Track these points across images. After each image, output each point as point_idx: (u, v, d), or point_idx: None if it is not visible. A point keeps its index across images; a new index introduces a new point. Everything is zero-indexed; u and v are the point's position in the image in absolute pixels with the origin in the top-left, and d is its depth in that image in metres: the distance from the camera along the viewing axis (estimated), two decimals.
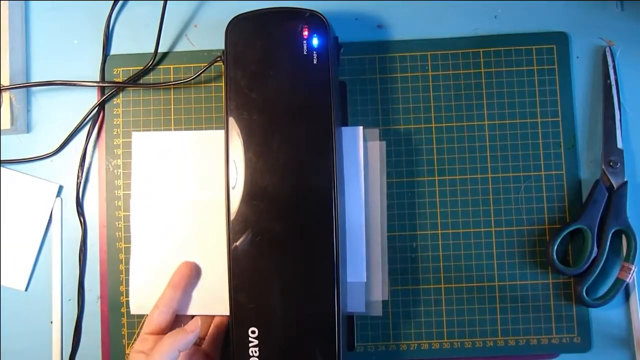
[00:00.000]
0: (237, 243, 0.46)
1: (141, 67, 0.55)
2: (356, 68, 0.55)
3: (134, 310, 0.52)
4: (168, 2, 0.55)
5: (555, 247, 0.51)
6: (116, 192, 0.55)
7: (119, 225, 0.54)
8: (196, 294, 0.51)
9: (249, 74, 0.48)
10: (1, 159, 0.55)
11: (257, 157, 0.47)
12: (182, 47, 0.56)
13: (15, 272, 0.54)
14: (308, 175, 0.47)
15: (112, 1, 0.56)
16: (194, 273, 0.51)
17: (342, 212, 0.48)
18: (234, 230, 0.47)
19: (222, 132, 0.49)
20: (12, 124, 0.54)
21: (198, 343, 0.50)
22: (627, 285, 0.52)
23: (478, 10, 0.55)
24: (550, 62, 0.54)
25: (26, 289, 0.54)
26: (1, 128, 0.53)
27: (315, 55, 0.48)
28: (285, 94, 0.48)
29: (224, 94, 0.48)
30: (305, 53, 0.48)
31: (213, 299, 0.51)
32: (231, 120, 0.47)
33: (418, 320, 0.53)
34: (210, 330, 0.51)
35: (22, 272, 0.54)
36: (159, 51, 0.55)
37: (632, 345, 0.53)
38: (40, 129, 0.56)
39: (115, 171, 0.55)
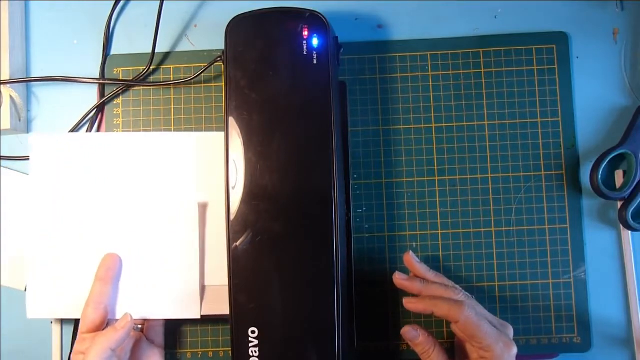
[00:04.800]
0: (237, 243, 0.46)
1: (142, 67, 0.55)
2: (356, 68, 0.55)
3: (30, 314, 0.50)
4: (168, 2, 0.55)
5: (600, 171, 0.51)
6: None
7: None
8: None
9: (249, 74, 0.48)
10: (1, 158, 0.55)
11: (257, 157, 0.47)
12: (182, 47, 0.56)
13: (15, 272, 0.54)
14: (308, 175, 0.47)
15: (113, 1, 0.56)
16: (119, 264, 0.50)
17: (342, 211, 0.48)
18: (234, 230, 0.47)
19: (124, 135, 0.52)
20: (12, 124, 0.54)
21: (140, 330, 0.51)
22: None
23: (478, 10, 0.55)
24: (550, 62, 0.54)
25: (26, 289, 0.54)
26: (1, 128, 0.53)
27: (315, 56, 0.48)
28: (285, 94, 0.48)
29: (224, 94, 0.48)
30: (305, 53, 0.48)
31: (132, 302, 0.50)
32: (231, 120, 0.47)
33: (418, 320, 0.53)
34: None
35: (22, 272, 0.54)
36: (159, 51, 0.55)
37: (632, 345, 0.53)
38: (40, 129, 0.56)
39: None
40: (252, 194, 0.47)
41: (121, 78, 0.55)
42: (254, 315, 0.46)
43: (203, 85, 0.55)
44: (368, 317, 0.53)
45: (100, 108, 0.55)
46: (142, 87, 0.55)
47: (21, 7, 0.56)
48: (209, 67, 0.53)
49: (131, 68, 0.56)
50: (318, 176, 0.47)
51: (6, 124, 0.53)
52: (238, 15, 0.49)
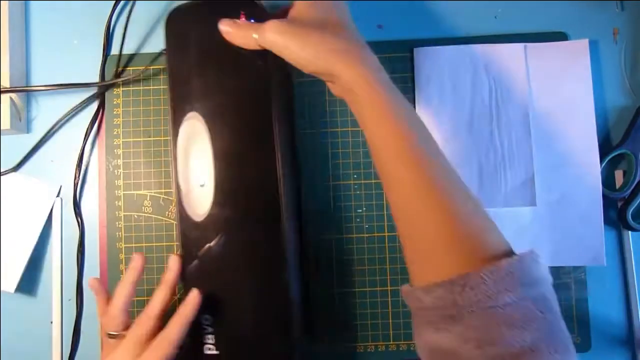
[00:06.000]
0: (188, 232, 0.46)
1: (142, 67, 0.55)
2: None
3: None
4: (169, 2, 0.55)
5: (601, 171, 0.52)
6: (116, 192, 0.55)
7: (119, 226, 0.54)
8: None
9: (189, 65, 0.47)
10: (1, 158, 0.55)
11: (202, 147, 0.47)
12: None
13: (15, 271, 0.54)
14: (251, 164, 0.47)
15: (113, 1, 0.56)
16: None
17: (291, 197, 0.48)
18: (184, 218, 0.46)
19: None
20: (12, 124, 0.54)
21: None
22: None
23: (478, 10, 0.55)
24: None
25: (28, 289, 0.54)
26: (1, 128, 0.53)
27: None
28: (225, 82, 0.47)
29: (168, 87, 0.48)
30: None
31: None
32: (174, 112, 0.47)
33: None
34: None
35: (23, 272, 0.54)
36: (159, 51, 0.55)
37: (632, 345, 0.52)
38: (40, 129, 0.56)
39: (116, 171, 0.55)
40: (199, 183, 0.46)
41: (121, 78, 0.55)
42: (208, 302, 0.46)
43: None
44: (368, 317, 0.53)
45: (100, 108, 0.55)
46: (142, 87, 0.55)
47: (21, 7, 0.56)
48: (154, 60, 0.53)
49: (131, 68, 0.56)
50: (262, 164, 0.46)
51: (6, 124, 0.53)
52: (177, 7, 0.48)
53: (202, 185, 0.46)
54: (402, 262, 0.53)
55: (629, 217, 0.52)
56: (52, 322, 0.54)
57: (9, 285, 0.54)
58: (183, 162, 0.47)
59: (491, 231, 0.37)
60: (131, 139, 0.55)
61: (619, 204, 0.53)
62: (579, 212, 0.52)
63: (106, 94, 0.55)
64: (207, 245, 0.46)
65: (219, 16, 0.46)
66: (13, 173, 0.55)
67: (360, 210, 0.54)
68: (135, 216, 0.54)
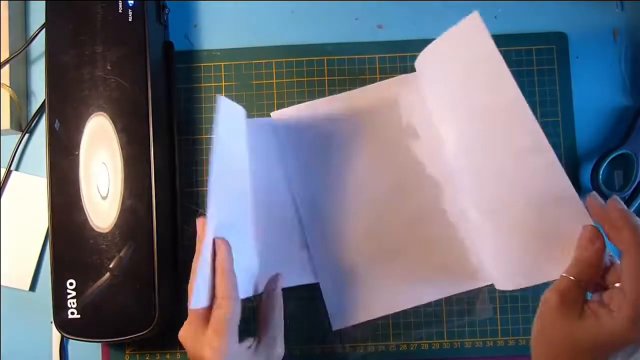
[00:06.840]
0: (57, 199, 0.48)
1: None
2: (356, 68, 0.55)
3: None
4: (168, 2, 0.55)
5: (601, 171, 0.52)
6: None
7: None
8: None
9: (66, 43, 0.48)
10: (1, 159, 0.55)
11: (76, 129, 0.48)
12: (182, 46, 0.56)
13: (17, 271, 0.54)
14: (124, 139, 0.48)
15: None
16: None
17: (162, 154, 0.49)
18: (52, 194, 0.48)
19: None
20: (12, 124, 0.54)
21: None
22: None
23: (478, 10, 0.55)
24: (550, 62, 0.54)
25: (29, 289, 0.54)
26: (1, 128, 0.53)
27: (130, 13, 0.48)
28: (100, 57, 0.48)
29: (44, 68, 0.49)
30: (120, 11, 0.48)
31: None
32: (50, 93, 0.48)
33: (418, 320, 0.53)
34: None
35: (25, 272, 0.54)
36: None
37: None
38: (40, 128, 0.56)
39: None
40: (72, 146, 0.48)
41: None
42: (71, 267, 0.48)
43: (203, 84, 0.55)
44: None
45: None
46: None
47: (21, 7, 0.56)
48: (34, 37, 0.53)
49: None
50: (135, 139, 0.47)
51: (6, 124, 0.53)
52: None
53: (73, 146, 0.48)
54: None
55: None
56: (52, 322, 0.54)
57: (23, 283, 0.54)
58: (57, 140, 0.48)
59: None
60: None
61: None
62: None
63: None
64: (74, 215, 0.48)
65: None
66: (15, 172, 0.55)
67: None
68: None
